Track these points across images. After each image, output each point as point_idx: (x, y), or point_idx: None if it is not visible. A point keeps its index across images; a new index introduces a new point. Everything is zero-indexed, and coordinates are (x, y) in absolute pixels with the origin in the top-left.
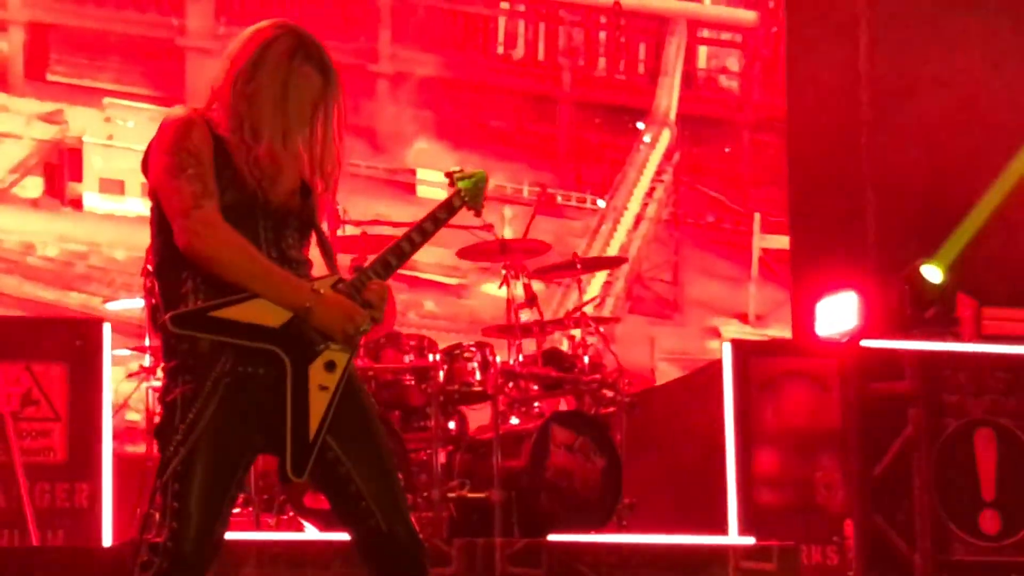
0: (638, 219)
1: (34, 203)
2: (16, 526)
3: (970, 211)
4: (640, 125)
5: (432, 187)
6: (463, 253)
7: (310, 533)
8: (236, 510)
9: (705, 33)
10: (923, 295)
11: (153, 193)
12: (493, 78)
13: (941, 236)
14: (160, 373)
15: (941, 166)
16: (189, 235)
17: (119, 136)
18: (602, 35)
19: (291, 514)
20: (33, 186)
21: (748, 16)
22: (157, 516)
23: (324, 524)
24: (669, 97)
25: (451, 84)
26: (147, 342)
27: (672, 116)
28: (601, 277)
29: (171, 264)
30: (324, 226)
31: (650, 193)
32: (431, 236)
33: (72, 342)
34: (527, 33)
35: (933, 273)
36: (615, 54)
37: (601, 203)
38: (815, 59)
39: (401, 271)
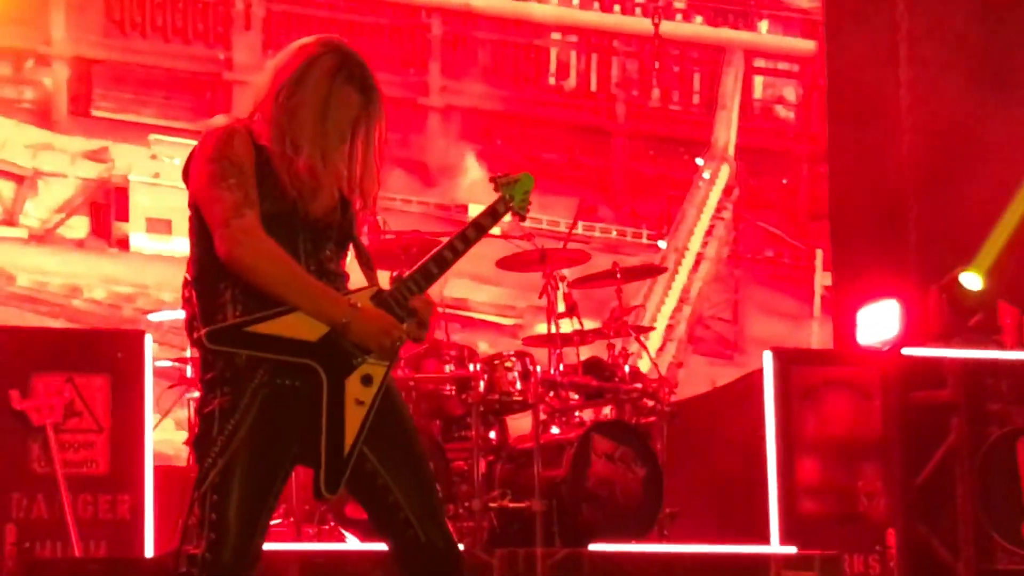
0: (698, 259)
1: (80, 244)
2: (59, 537)
3: (1003, 214)
4: (699, 161)
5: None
6: (503, 263)
7: (351, 543)
8: (277, 520)
9: (761, 63)
10: (963, 303)
11: (194, 202)
12: (545, 110)
13: (982, 243)
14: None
15: (982, 173)
16: (229, 244)
17: (165, 174)
18: (656, 65)
19: (332, 524)
20: (79, 226)
21: (806, 45)
22: (195, 527)
23: (365, 534)
24: (727, 131)
25: (502, 117)
26: (188, 353)
27: (731, 151)
28: (664, 320)
29: (210, 274)
30: (363, 239)
31: (710, 232)
32: (474, 243)
33: (114, 354)
34: (579, 64)
35: (972, 280)
36: (669, 84)
37: (662, 244)
38: (855, 68)
39: (454, 310)
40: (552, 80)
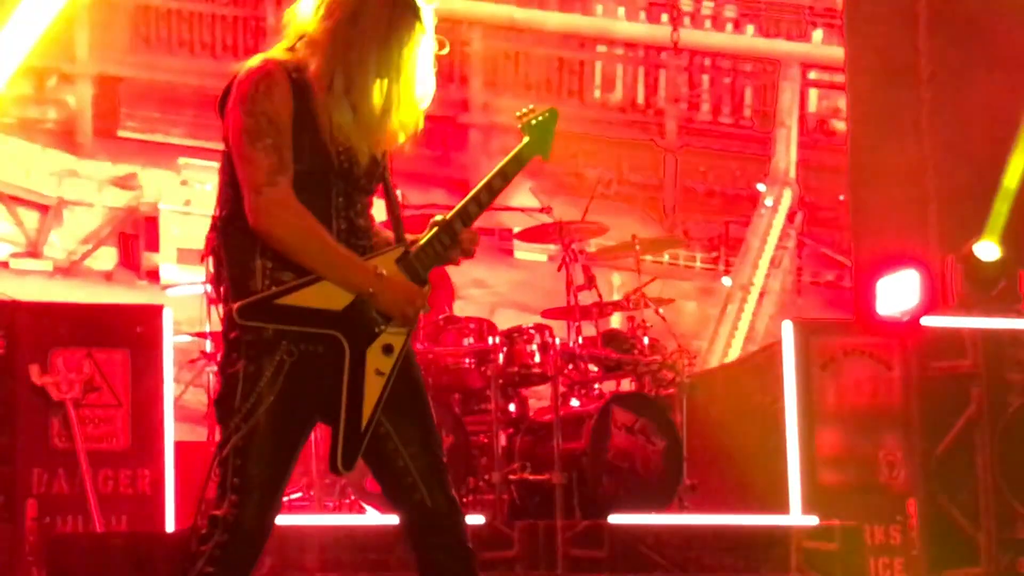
0: (762, 294)
1: (107, 276)
2: (80, 512)
3: (1002, 176)
4: (761, 187)
5: (530, 252)
6: (522, 236)
7: (371, 516)
8: (298, 494)
9: (815, 75)
10: (981, 272)
11: (227, 144)
12: (592, 126)
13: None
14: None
15: (1002, 142)
16: (259, 214)
17: (197, 201)
18: (705, 78)
19: (352, 498)
20: (106, 257)
21: None
22: (215, 492)
23: (385, 507)
24: (788, 152)
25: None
26: (207, 328)
27: (792, 174)
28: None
29: (239, 219)
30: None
31: (776, 263)
32: (499, 193)
33: (133, 329)
34: (625, 76)
35: (990, 250)
36: (719, 98)
37: (727, 281)
38: (875, 39)
39: None
40: (597, 93)
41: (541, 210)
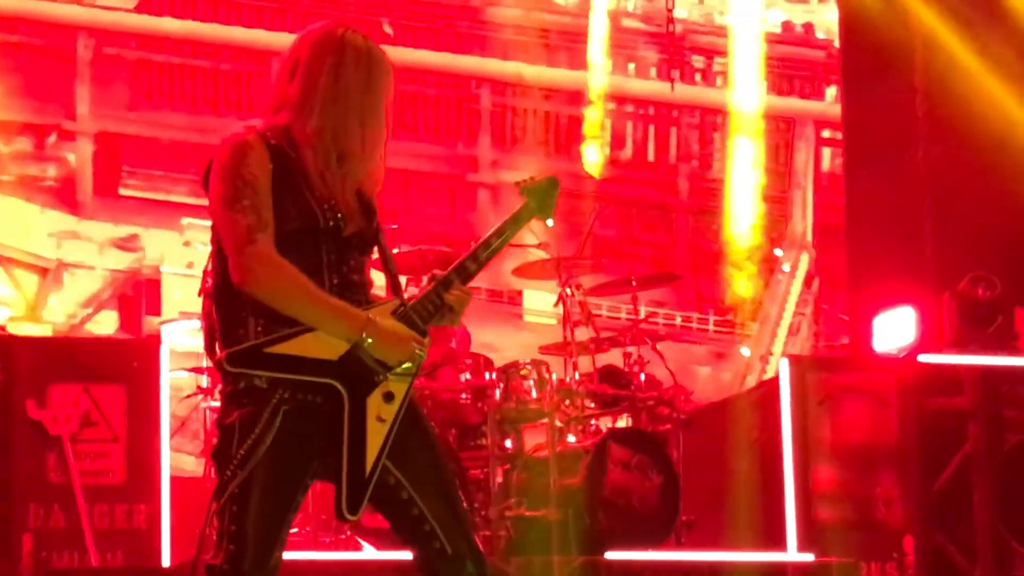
0: None
1: None
2: (76, 547)
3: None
4: (778, 252)
5: (540, 316)
6: (519, 271)
7: (368, 552)
8: (294, 529)
9: (827, 133)
10: (977, 310)
11: (212, 215)
12: (603, 184)
13: (999, 250)
14: (217, 394)
15: (999, 180)
16: (242, 272)
17: (200, 263)
18: (716, 136)
19: (348, 533)
20: (107, 321)
21: None
22: (214, 537)
23: (381, 543)
24: (804, 215)
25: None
26: (204, 363)
27: (809, 237)
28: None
29: (229, 286)
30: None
31: (794, 331)
32: (497, 252)
33: (130, 363)
34: (635, 133)
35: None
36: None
37: (745, 351)
38: (871, 73)
39: None
40: (607, 151)
41: (538, 246)
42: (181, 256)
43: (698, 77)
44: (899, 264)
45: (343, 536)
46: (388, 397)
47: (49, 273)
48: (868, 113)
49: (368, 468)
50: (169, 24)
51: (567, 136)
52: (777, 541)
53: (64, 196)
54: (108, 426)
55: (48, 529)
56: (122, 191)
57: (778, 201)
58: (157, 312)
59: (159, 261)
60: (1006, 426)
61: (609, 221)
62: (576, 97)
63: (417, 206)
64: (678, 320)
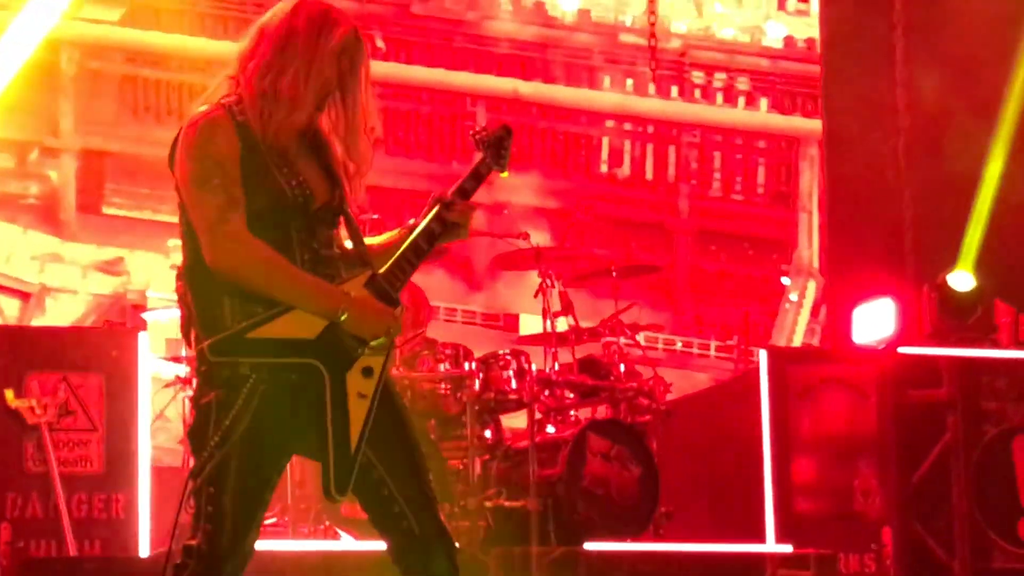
0: None
1: None
2: (53, 536)
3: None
4: (785, 280)
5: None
6: (498, 261)
7: (346, 543)
8: (273, 519)
9: None
10: (956, 302)
11: (179, 194)
12: (601, 205)
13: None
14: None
15: (978, 172)
16: (215, 252)
17: None
18: (717, 155)
19: (327, 524)
20: None
21: None
22: (190, 520)
23: (360, 533)
24: (811, 242)
25: (553, 212)
26: (183, 352)
27: (816, 263)
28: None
29: (203, 267)
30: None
31: None
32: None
33: (109, 352)
34: (633, 150)
35: (964, 280)
36: (731, 173)
37: None
38: (853, 67)
39: None
40: (604, 167)
41: (517, 235)
42: (168, 280)
43: (698, 93)
44: (878, 256)
45: (322, 526)
46: (367, 372)
47: (31, 298)
48: (847, 104)
49: (353, 445)
50: (155, 38)
51: (564, 153)
52: (756, 532)
53: (47, 214)
54: (86, 415)
55: (26, 518)
56: (106, 210)
57: (779, 221)
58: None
59: (145, 286)
60: (984, 418)
61: (606, 240)
62: (575, 114)
63: (403, 222)
64: (678, 345)
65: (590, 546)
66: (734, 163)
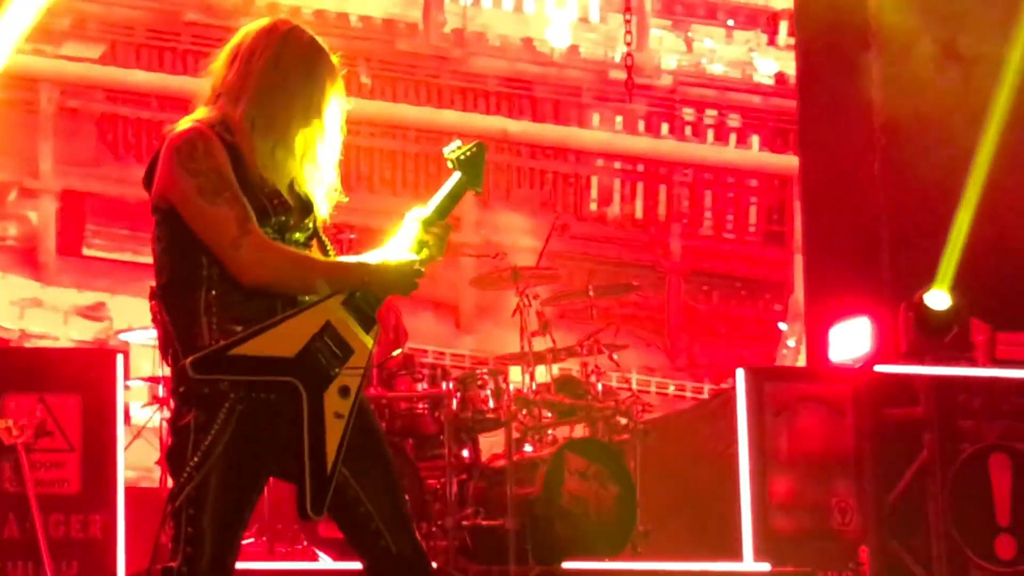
0: None
1: None
2: (31, 557)
3: (952, 227)
4: (782, 326)
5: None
6: (477, 281)
7: (324, 563)
8: (250, 540)
9: None
10: (933, 320)
11: (163, 208)
12: (594, 246)
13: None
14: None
15: (955, 191)
16: (246, 267)
17: None
18: (708, 194)
19: (305, 544)
20: None
21: None
22: (169, 544)
23: (338, 553)
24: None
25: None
26: (160, 373)
27: None
28: None
29: (180, 284)
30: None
31: None
32: (435, 226)
33: (86, 373)
34: (623, 189)
35: (941, 299)
36: (722, 211)
37: None
38: (828, 86)
39: None
40: (594, 206)
41: (495, 256)
42: (150, 325)
43: (688, 131)
44: (855, 275)
45: (299, 546)
46: (344, 392)
47: (11, 344)
48: (824, 125)
49: (329, 465)
50: (136, 76)
51: (552, 193)
52: (733, 551)
53: (26, 257)
54: (64, 436)
55: (3, 539)
56: (87, 251)
57: (772, 261)
58: (125, 385)
59: (127, 331)
60: (961, 436)
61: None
62: (564, 153)
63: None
64: (671, 389)
65: (568, 565)
66: (725, 202)
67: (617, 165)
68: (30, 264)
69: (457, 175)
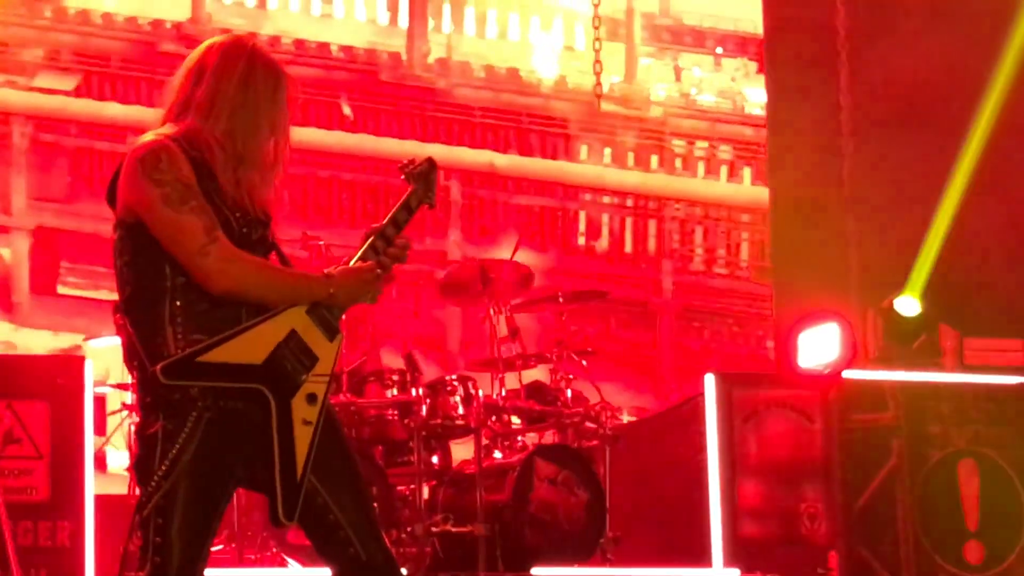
0: None
1: None
2: None
3: (927, 234)
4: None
5: None
6: (446, 289)
7: (293, 570)
8: (219, 547)
9: None
10: (901, 326)
11: (126, 220)
12: (585, 283)
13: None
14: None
15: (924, 198)
16: (213, 276)
17: None
18: (698, 230)
19: (274, 550)
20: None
21: None
22: (138, 552)
23: (307, 560)
24: None
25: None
26: (129, 379)
27: None
28: None
29: (144, 296)
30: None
31: None
32: (393, 241)
33: (54, 380)
34: (612, 223)
35: (910, 304)
36: (713, 250)
37: None
38: (795, 91)
39: None
40: (582, 240)
41: (463, 260)
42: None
43: (679, 163)
44: (824, 281)
45: (268, 553)
46: (311, 399)
47: None
48: (793, 128)
49: (299, 472)
50: (113, 109)
51: (541, 230)
52: (702, 557)
53: None
54: (32, 443)
55: None
56: (61, 290)
57: (764, 297)
58: (102, 432)
59: (104, 377)
60: (929, 442)
61: (587, 318)
62: (552, 188)
63: (379, 301)
64: None
65: (537, 571)
66: (716, 237)
67: (606, 199)
68: (3, 304)
69: (411, 189)
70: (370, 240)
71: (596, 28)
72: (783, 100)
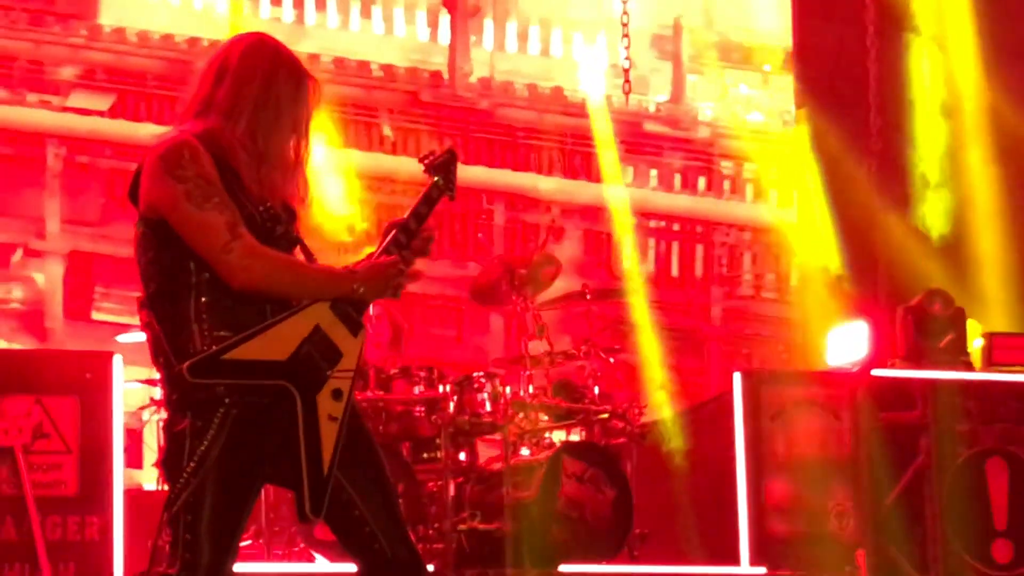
0: None
1: None
2: (28, 560)
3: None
4: None
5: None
6: (475, 294)
7: (321, 564)
8: (247, 542)
9: None
10: (930, 324)
11: (150, 217)
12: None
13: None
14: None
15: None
16: (237, 271)
17: None
18: (747, 255)
19: (302, 545)
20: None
21: None
22: (167, 548)
23: (334, 555)
24: None
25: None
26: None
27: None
28: None
29: (170, 292)
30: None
31: None
32: (416, 233)
33: (83, 375)
34: (658, 247)
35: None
36: (761, 275)
37: None
38: (827, 91)
39: None
40: (628, 263)
41: (492, 260)
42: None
43: (727, 185)
44: (853, 279)
45: (296, 548)
46: (337, 394)
47: None
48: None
49: (326, 467)
50: (147, 130)
51: (586, 252)
52: (730, 554)
53: (31, 321)
54: (61, 438)
55: (0, 542)
56: (95, 315)
57: None
58: (138, 465)
59: (140, 406)
60: (957, 440)
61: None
62: (594, 211)
63: (421, 327)
64: None
65: (565, 569)
66: (767, 262)
67: (652, 224)
68: (36, 330)
69: (432, 181)
70: (392, 234)
71: (627, 48)
72: (813, 105)
